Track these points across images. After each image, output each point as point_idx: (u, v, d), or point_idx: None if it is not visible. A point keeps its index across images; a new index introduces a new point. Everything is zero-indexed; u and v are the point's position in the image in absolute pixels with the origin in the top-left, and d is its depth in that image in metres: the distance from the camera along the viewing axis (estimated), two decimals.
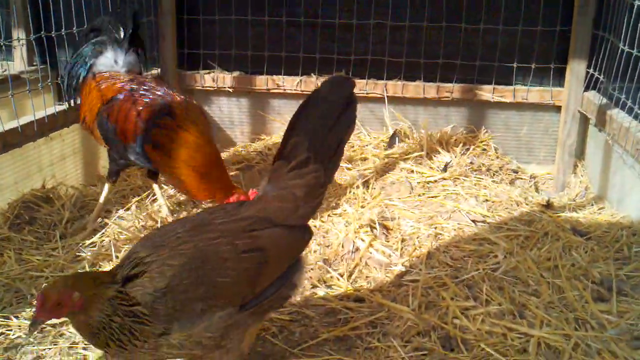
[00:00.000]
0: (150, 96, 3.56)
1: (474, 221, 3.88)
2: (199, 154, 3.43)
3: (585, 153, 4.81)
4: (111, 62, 3.82)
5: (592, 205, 4.26)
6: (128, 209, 3.97)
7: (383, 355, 2.73)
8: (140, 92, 3.59)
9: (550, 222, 3.87)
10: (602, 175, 4.39)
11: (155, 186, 3.96)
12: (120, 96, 3.57)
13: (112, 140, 3.60)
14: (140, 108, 3.49)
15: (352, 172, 4.58)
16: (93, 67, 3.85)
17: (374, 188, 4.36)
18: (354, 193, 4.24)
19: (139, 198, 4.12)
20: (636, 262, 3.43)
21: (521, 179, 4.77)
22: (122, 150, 3.57)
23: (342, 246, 3.58)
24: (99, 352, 2.67)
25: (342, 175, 4.51)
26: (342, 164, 4.68)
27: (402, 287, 3.21)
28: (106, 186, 3.82)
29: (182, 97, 3.65)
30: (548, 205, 4.18)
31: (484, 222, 3.89)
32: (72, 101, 4.06)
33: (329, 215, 3.95)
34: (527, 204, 4.18)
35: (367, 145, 5.01)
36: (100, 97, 3.64)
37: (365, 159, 4.81)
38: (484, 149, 4.95)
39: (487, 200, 4.19)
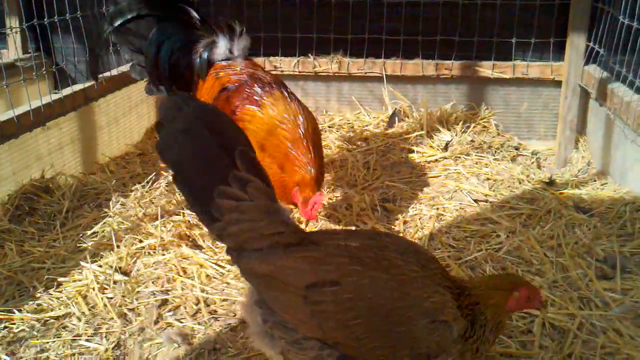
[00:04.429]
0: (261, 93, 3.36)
1: (476, 201, 3.86)
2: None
3: (587, 128, 4.77)
4: (226, 52, 3.59)
5: (595, 180, 4.23)
6: (128, 196, 3.95)
7: None
8: (254, 87, 3.39)
9: (553, 200, 3.84)
10: (604, 151, 4.36)
11: None
12: (231, 87, 3.45)
13: None
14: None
15: (352, 153, 4.55)
16: (210, 58, 3.60)
17: (375, 169, 4.33)
18: (354, 175, 4.22)
19: (140, 185, 4.09)
20: None
21: (523, 155, 4.73)
22: None
23: None
24: None
25: (342, 157, 4.48)
26: (343, 145, 4.66)
27: None
28: None
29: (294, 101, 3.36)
30: (550, 183, 4.16)
31: (486, 201, 3.86)
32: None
33: (330, 199, 3.93)
34: (529, 182, 4.15)
35: (367, 126, 4.98)
36: (212, 89, 3.52)
37: (365, 140, 4.78)
38: (485, 127, 4.92)
39: (488, 179, 4.16)
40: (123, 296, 3.03)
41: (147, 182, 4.11)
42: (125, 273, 3.22)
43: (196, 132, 2.06)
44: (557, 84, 4.83)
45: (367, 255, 2.02)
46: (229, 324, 2.84)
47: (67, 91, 4.15)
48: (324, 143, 4.62)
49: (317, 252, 2.02)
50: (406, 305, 1.94)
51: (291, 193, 3.14)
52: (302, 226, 3.31)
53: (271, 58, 5.06)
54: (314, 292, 1.95)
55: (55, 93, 4.07)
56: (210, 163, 2.07)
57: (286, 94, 3.33)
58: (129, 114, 4.92)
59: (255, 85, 3.39)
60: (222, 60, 3.59)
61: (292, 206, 3.28)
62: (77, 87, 4.26)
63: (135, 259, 3.31)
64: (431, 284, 1.99)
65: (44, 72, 4.06)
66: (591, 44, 4.53)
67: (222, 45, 3.58)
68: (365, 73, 5.02)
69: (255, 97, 3.33)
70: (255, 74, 3.49)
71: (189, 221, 3.62)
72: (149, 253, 3.36)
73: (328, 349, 1.97)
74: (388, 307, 1.94)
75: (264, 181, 2.09)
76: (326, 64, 5.03)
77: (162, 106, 2.15)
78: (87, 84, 4.34)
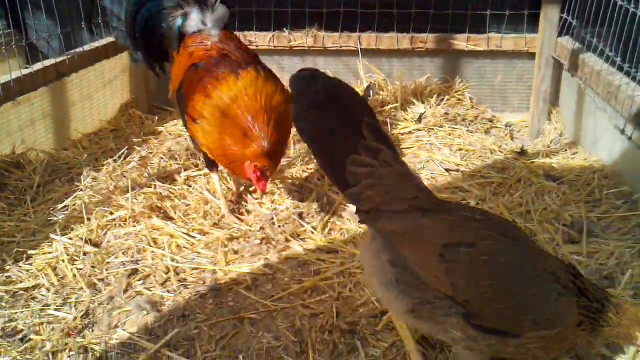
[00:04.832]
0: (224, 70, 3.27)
1: (447, 170, 3.88)
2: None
3: (560, 99, 4.80)
4: (198, 23, 3.51)
5: (566, 150, 4.27)
6: (99, 170, 3.94)
7: (354, 303, 2.74)
8: (220, 64, 3.31)
9: (524, 169, 3.88)
10: (576, 120, 4.39)
11: (214, 176, 3.59)
12: (201, 64, 3.38)
13: (181, 113, 3.46)
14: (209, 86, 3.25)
15: None
16: (182, 29, 3.54)
17: None
18: None
19: (112, 160, 4.07)
20: (606, 204, 3.46)
21: (496, 127, 4.76)
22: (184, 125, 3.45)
23: (316, 200, 3.58)
24: None
25: None
26: None
27: None
28: (213, 176, 3.58)
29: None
30: (522, 152, 4.19)
31: (457, 170, 3.89)
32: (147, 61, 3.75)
33: (303, 171, 3.93)
34: (500, 152, 4.18)
35: None
36: (185, 62, 3.46)
37: None
38: (459, 99, 4.93)
39: (460, 149, 4.19)
40: (92, 267, 3.03)
41: (119, 157, 4.10)
42: (96, 245, 3.21)
43: (325, 105, 2.23)
44: (531, 56, 4.84)
45: (495, 226, 2.16)
46: (198, 291, 2.86)
47: (37, 66, 4.10)
48: None
49: (453, 216, 2.17)
50: (538, 270, 2.04)
51: (243, 167, 3.10)
52: (257, 197, 3.29)
53: (246, 33, 5.03)
54: (450, 251, 2.07)
55: (26, 68, 4.03)
56: (339, 133, 2.23)
57: (254, 72, 3.22)
58: (103, 90, 4.89)
59: (222, 64, 3.31)
60: (195, 31, 3.53)
61: (245, 180, 3.27)
62: (48, 62, 4.20)
63: (105, 230, 3.31)
64: (555, 258, 2.13)
65: (14, 47, 4.02)
66: (564, 16, 4.54)
67: (194, 17, 3.52)
68: (340, 47, 5.01)
69: (220, 77, 3.24)
70: (224, 50, 3.41)
71: (160, 193, 3.62)
72: (119, 225, 3.36)
73: (456, 307, 2.08)
74: (521, 270, 2.04)
75: (391, 149, 2.24)
76: (301, 38, 5.01)
77: (293, 80, 2.28)
78: (59, 59, 4.30)
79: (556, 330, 2.03)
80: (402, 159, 2.28)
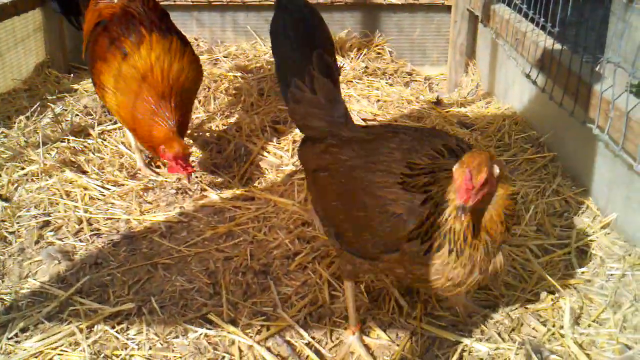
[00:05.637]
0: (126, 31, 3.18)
1: (364, 120, 3.94)
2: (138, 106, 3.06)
3: (476, 52, 4.91)
4: None
5: (481, 100, 4.39)
6: (12, 128, 3.83)
7: (268, 246, 2.79)
8: (123, 23, 3.22)
9: (439, 117, 3.98)
10: (490, 71, 4.52)
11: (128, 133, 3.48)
12: (104, 22, 3.29)
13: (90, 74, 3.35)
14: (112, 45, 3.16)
15: (247, 81, 4.54)
16: None
17: (269, 95, 4.34)
18: (247, 101, 4.22)
19: (24, 117, 3.96)
20: (515, 148, 3.60)
21: (416, 81, 4.85)
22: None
23: (234, 151, 3.59)
24: None
25: (236, 85, 4.47)
26: (237, 74, 4.64)
27: (289, 184, 3.26)
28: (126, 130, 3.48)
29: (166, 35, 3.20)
30: (437, 102, 4.29)
31: (374, 120, 3.96)
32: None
33: (223, 124, 3.93)
34: (417, 102, 4.27)
35: (263, 55, 4.96)
36: (92, 20, 3.36)
37: (260, 68, 4.77)
38: (379, 53, 4.99)
39: (378, 101, 4.26)
40: (2, 221, 2.97)
41: (32, 114, 3.99)
42: (6, 199, 3.14)
43: (293, 26, 2.42)
44: (448, 9, 4.92)
45: (364, 147, 2.16)
46: (112, 240, 2.85)
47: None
48: (218, 72, 4.61)
49: (325, 144, 2.25)
50: (366, 193, 2.04)
51: (159, 151, 3.06)
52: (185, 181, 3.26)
53: None
54: (314, 176, 2.27)
55: None
56: (295, 56, 2.39)
57: (157, 35, 3.16)
58: (15, 49, 4.72)
59: (126, 24, 3.22)
60: None
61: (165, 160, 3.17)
62: None
63: (17, 185, 3.24)
64: (398, 175, 1.97)
65: None
66: None
67: None
68: (260, 2, 4.98)
69: (123, 41, 3.15)
70: (130, 9, 3.30)
71: (74, 147, 3.56)
72: (31, 179, 3.29)
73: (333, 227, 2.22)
74: (352, 192, 2.10)
75: (332, 81, 2.35)
76: None
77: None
78: None
79: (400, 254, 1.96)
80: (336, 91, 2.38)
